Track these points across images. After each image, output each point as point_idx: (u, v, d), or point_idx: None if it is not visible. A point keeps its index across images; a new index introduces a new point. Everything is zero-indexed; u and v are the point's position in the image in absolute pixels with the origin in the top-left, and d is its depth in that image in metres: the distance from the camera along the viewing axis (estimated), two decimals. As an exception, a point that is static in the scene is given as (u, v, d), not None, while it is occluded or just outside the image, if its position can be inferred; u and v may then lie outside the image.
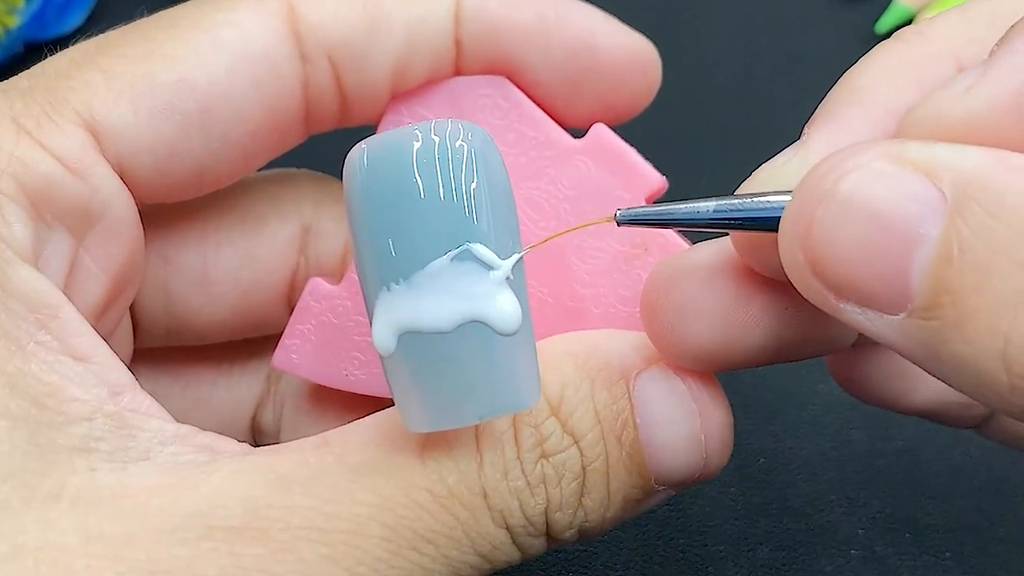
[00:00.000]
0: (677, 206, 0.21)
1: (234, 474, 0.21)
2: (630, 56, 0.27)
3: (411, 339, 0.21)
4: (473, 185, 0.21)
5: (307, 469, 0.22)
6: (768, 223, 0.21)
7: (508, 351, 0.21)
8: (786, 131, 0.22)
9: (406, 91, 0.27)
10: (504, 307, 0.21)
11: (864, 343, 0.24)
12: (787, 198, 0.20)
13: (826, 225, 0.19)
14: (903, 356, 0.19)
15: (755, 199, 0.21)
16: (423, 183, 0.20)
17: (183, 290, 0.28)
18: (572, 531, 0.23)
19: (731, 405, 0.25)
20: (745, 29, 0.47)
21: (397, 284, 0.20)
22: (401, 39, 0.26)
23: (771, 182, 0.22)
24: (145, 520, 0.20)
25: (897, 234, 0.18)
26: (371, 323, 0.21)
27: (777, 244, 0.20)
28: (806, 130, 0.23)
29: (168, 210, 0.27)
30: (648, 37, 0.28)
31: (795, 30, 0.47)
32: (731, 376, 0.25)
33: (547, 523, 0.23)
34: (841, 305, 0.19)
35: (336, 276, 0.28)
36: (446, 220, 0.20)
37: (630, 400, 0.23)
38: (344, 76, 0.26)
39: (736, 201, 0.21)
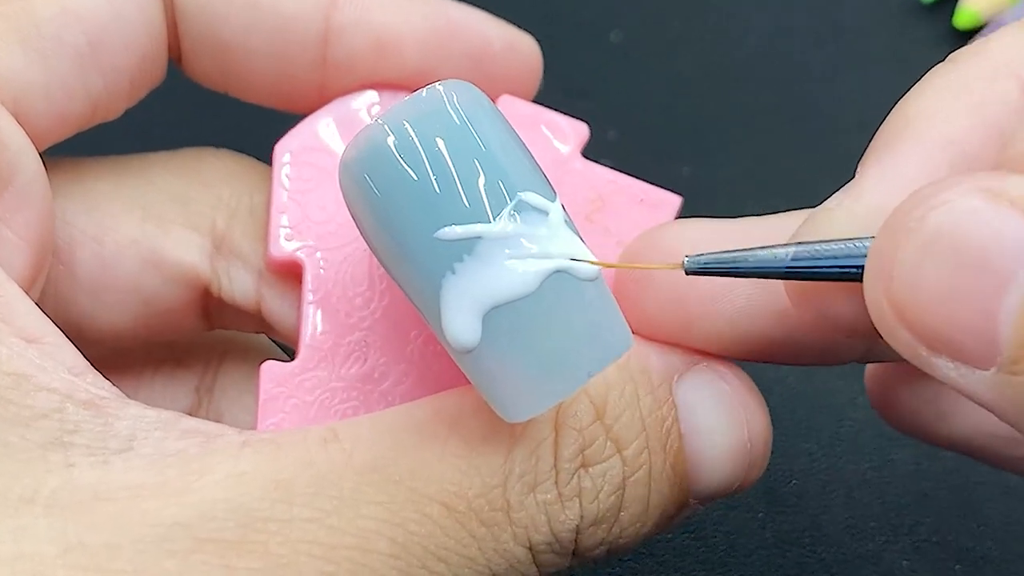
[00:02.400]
0: (750, 253, 0.21)
1: (227, 479, 0.21)
2: (521, 56, 0.28)
3: (498, 316, 0.20)
4: (489, 139, 0.21)
5: (310, 472, 0.21)
6: (852, 273, 0.20)
7: (596, 295, 0.21)
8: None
9: (286, 134, 0.27)
10: (581, 250, 0.21)
11: (899, 362, 0.23)
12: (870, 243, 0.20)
13: (908, 266, 0.18)
14: (1000, 419, 0.18)
15: (836, 244, 0.20)
16: (437, 166, 0.21)
17: (74, 293, 0.27)
18: (603, 549, 0.23)
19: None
20: (774, -4, 0.47)
21: (462, 261, 0.20)
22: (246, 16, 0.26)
23: (825, 229, 0.21)
24: (129, 528, 0.20)
25: (986, 276, 0.18)
26: (439, 323, 0.21)
27: (845, 294, 0.20)
28: (859, 168, 0.22)
29: (61, 201, 0.26)
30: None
31: (831, -3, 0.47)
32: (760, 387, 0.25)
33: (576, 541, 0.23)
34: (933, 359, 0.19)
35: (251, 312, 0.27)
36: (482, 182, 0.21)
37: (674, 405, 0.23)
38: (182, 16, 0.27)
39: (815, 247, 0.20)
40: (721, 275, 0.21)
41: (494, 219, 0.21)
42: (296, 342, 0.26)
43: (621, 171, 0.27)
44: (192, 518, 0.20)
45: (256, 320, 0.28)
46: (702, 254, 0.21)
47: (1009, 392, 0.18)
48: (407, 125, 0.21)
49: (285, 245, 0.26)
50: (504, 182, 0.21)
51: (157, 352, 0.29)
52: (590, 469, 0.23)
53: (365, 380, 0.25)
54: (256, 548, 0.20)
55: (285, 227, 0.26)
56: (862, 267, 0.20)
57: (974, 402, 0.19)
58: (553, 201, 0.21)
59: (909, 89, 0.22)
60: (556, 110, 0.27)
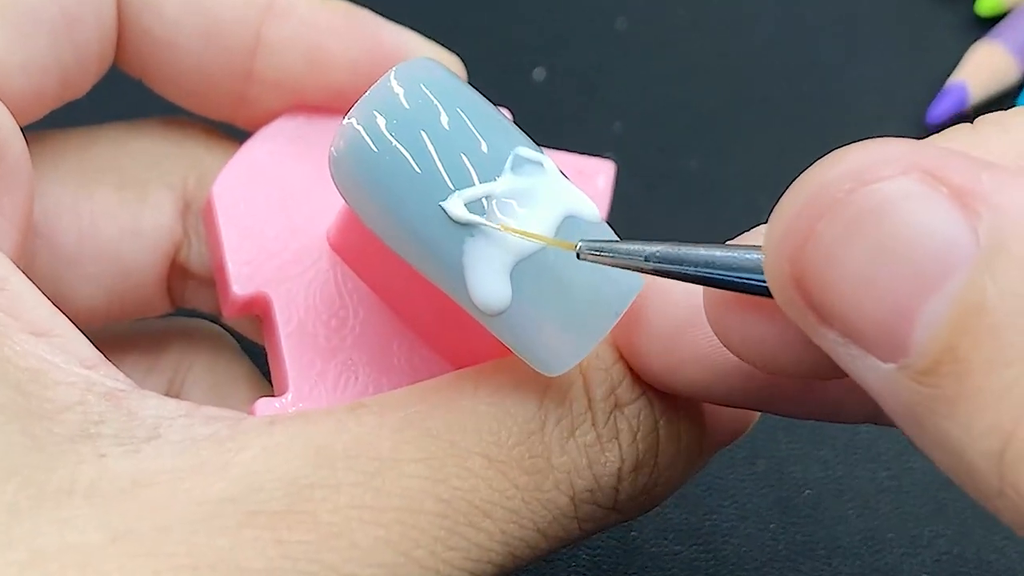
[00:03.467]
0: (631, 244, 0.21)
1: (266, 451, 0.21)
2: None
3: (523, 270, 0.21)
4: (469, 105, 0.22)
5: (346, 437, 0.21)
6: (713, 279, 0.20)
7: (605, 236, 0.22)
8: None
9: (220, 173, 0.27)
10: (582, 195, 0.22)
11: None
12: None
13: (827, 242, 0.18)
14: (881, 407, 0.18)
15: (704, 250, 0.20)
16: (432, 141, 0.22)
17: (53, 268, 0.27)
18: (640, 500, 0.24)
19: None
20: (787, -18, 0.46)
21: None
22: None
23: None
24: (175, 510, 0.20)
25: (910, 273, 0.17)
26: (466, 292, 0.21)
27: (754, 313, 0.20)
28: None
29: (36, 173, 0.26)
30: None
31: (845, -17, 0.46)
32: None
33: (617, 488, 0.23)
34: (822, 330, 0.18)
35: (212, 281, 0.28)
36: (478, 144, 0.22)
37: None
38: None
39: (684, 250, 0.20)
40: (608, 264, 0.21)
41: (499, 176, 0.21)
42: (273, 365, 0.26)
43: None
44: (238, 492, 0.20)
45: (215, 296, 0.28)
46: (596, 240, 0.21)
47: (906, 395, 0.17)
48: (389, 109, 0.22)
49: (248, 283, 0.26)
50: (498, 141, 0.22)
51: (123, 363, 0.29)
52: (624, 410, 0.23)
53: (361, 398, 0.25)
54: (305, 519, 0.20)
55: (243, 264, 0.26)
56: (727, 279, 0.20)
57: (855, 380, 0.18)
58: (543, 152, 0.22)
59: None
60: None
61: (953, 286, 0.17)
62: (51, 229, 0.27)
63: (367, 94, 0.22)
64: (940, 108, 0.41)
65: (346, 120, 0.22)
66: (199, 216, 0.28)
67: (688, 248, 0.20)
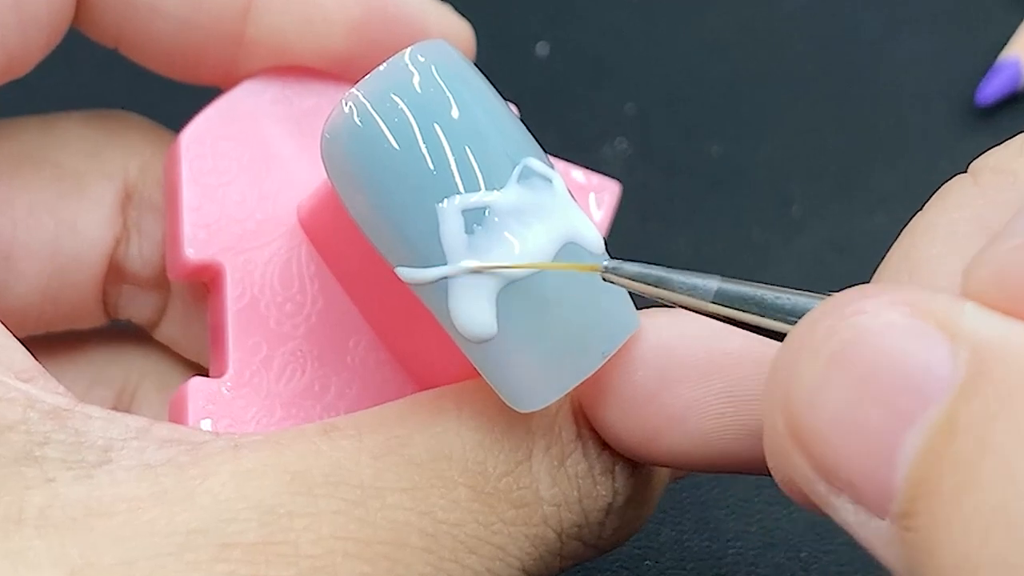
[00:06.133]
0: (676, 274, 0.21)
1: (236, 477, 0.21)
2: (457, 42, 0.27)
3: (511, 295, 0.21)
4: (485, 102, 0.22)
5: (323, 462, 0.21)
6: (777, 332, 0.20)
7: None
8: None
9: (191, 122, 0.27)
10: (587, 220, 0.22)
11: None
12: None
13: (809, 383, 0.18)
14: None
15: (770, 292, 0.20)
16: (442, 134, 0.21)
17: None
18: (620, 535, 0.24)
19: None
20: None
21: (472, 233, 0.21)
22: None
23: None
24: (140, 541, 0.20)
25: (890, 408, 0.17)
26: (446, 310, 0.21)
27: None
28: None
29: None
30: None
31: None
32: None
33: (604, 523, 0.24)
34: (833, 498, 0.18)
35: (151, 282, 0.28)
36: (486, 147, 0.22)
37: None
38: None
39: (745, 289, 0.20)
40: (636, 291, 0.21)
41: (503, 187, 0.21)
42: (214, 343, 0.26)
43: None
44: (209, 522, 0.20)
45: (153, 305, 0.29)
46: (625, 262, 0.21)
47: (899, 550, 0.17)
48: (397, 94, 0.22)
49: (202, 249, 0.26)
50: (509, 147, 0.22)
51: (64, 374, 0.29)
52: None
53: (305, 394, 0.26)
54: (285, 551, 0.20)
55: (200, 227, 0.26)
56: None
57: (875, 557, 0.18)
58: (553, 168, 0.22)
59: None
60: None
61: (930, 416, 0.17)
62: None
63: (374, 73, 0.22)
64: (991, 87, 0.40)
65: (345, 99, 0.22)
66: (140, 208, 0.28)
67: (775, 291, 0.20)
